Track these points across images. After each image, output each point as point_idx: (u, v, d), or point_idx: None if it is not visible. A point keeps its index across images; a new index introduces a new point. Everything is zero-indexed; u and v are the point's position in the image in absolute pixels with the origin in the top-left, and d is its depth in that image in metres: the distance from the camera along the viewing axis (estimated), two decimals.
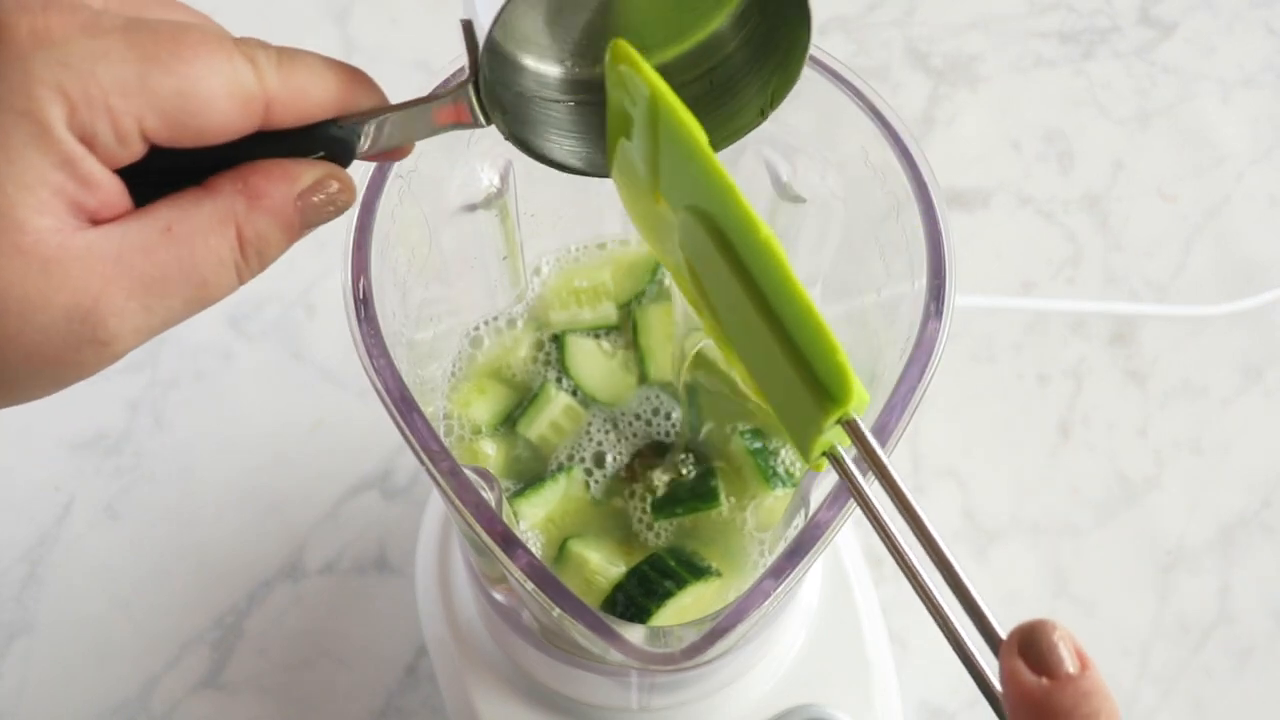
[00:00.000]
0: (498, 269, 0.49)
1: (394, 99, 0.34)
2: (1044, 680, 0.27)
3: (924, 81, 0.82)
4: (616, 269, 0.52)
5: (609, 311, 0.51)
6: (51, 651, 0.65)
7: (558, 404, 0.49)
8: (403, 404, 0.38)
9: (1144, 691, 0.66)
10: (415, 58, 0.81)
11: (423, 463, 0.37)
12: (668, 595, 0.45)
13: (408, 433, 0.37)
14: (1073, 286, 0.76)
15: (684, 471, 0.49)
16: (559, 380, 0.50)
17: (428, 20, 0.82)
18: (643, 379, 0.51)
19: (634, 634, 0.36)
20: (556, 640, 0.48)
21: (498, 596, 0.51)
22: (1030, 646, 0.27)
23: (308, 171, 0.32)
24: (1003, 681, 0.28)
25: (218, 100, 0.29)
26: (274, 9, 0.82)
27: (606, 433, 0.49)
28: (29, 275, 0.28)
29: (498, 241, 0.48)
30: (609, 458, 0.49)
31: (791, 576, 0.36)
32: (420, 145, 0.35)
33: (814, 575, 0.57)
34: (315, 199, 0.32)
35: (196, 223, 0.30)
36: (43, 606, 0.66)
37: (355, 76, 0.33)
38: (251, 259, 0.31)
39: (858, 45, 0.83)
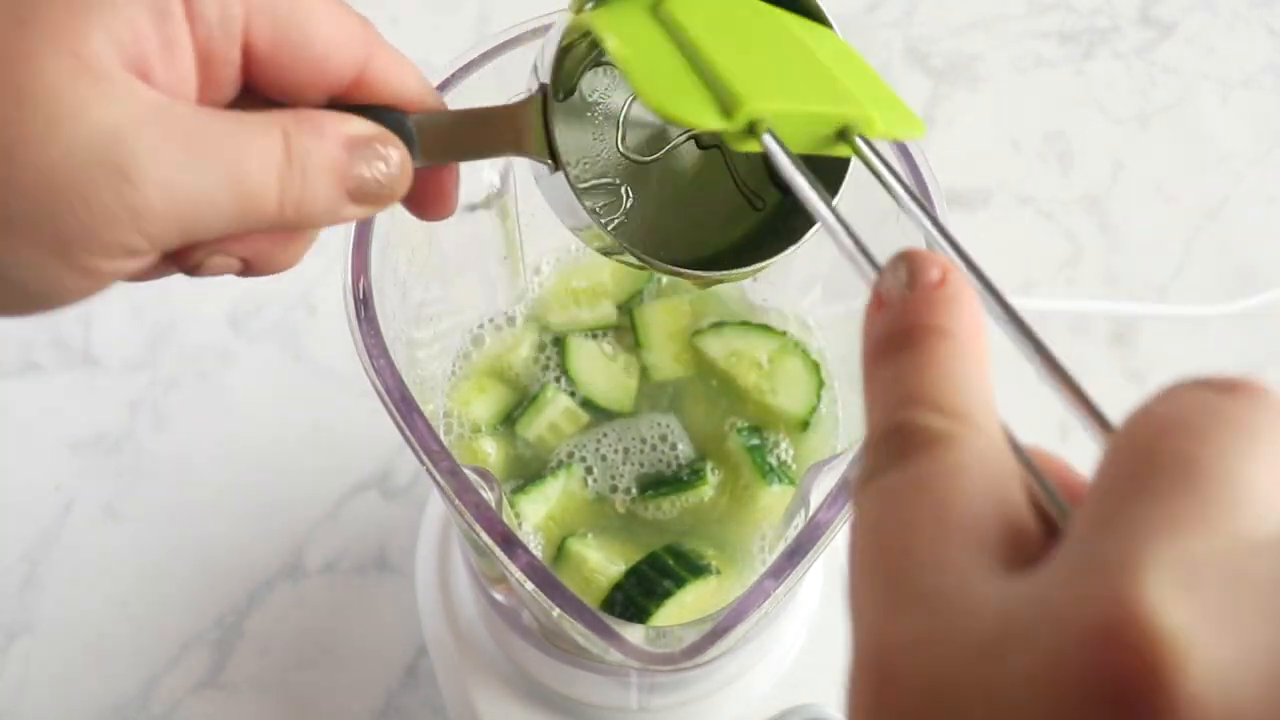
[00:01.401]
0: (498, 269, 0.49)
1: None
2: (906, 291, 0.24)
3: (924, 81, 0.82)
4: (615, 268, 0.52)
5: (608, 311, 0.51)
6: (51, 651, 0.65)
7: (557, 406, 0.49)
8: (403, 404, 0.38)
9: None
10: (415, 57, 0.80)
11: (423, 463, 0.37)
12: (667, 595, 0.45)
13: (408, 433, 0.37)
14: (1073, 286, 0.76)
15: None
16: (558, 381, 0.50)
17: (428, 20, 0.82)
18: (644, 378, 0.50)
19: (634, 634, 0.36)
20: (556, 640, 0.48)
21: (498, 596, 0.51)
22: (899, 267, 0.25)
23: (362, 122, 0.31)
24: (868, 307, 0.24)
25: (327, 25, 0.30)
26: None
27: (616, 452, 0.49)
28: (75, 82, 0.25)
29: (498, 241, 0.48)
30: (611, 477, 0.49)
31: (791, 576, 0.36)
32: None
33: (814, 575, 0.57)
34: (368, 153, 0.30)
35: (246, 117, 0.29)
36: (43, 606, 0.66)
37: (433, 89, 0.33)
38: (295, 170, 0.29)
39: (858, 45, 0.83)
